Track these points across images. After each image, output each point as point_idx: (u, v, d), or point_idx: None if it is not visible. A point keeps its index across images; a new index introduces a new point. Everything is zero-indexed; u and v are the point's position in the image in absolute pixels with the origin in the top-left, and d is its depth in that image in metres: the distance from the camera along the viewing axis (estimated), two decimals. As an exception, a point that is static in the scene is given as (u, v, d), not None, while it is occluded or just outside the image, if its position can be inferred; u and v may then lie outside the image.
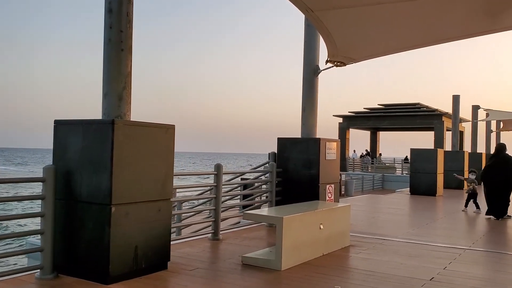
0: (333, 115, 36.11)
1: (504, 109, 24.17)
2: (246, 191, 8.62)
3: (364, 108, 35.82)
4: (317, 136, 8.57)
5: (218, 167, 6.79)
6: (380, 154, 39.31)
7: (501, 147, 10.25)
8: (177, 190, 7.90)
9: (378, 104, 35.69)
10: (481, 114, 24.54)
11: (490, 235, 7.96)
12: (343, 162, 35.59)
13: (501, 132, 29.11)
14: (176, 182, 5.39)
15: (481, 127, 27.59)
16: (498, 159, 10.02)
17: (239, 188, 8.94)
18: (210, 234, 6.75)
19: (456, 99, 18.72)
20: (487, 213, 10.06)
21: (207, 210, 7.67)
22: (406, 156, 32.77)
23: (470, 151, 22.82)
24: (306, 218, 5.63)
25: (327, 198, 8.39)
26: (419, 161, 15.27)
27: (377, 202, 13.38)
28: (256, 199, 8.64)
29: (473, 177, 11.21)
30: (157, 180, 4.81)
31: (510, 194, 9.92)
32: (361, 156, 38.26)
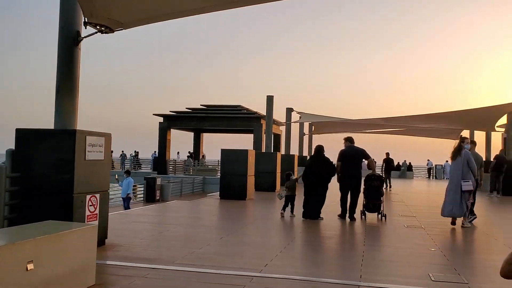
0: (153, 114, 33.78)
1: (315, 113, 25.06)
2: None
3: (186, 108, 34.31)
4: (88, 129, 6.26)
5: None
6: (203, 156, 38.36)
7: (320, 149, 10.21)
8: None
9: (201, 105, 34.57)
10: (295, 117, 25.02)
11: (290, 249, 6.69)
12: (164, 164, 33.57)
13: (313, 135, 30.50)
14: None
15: (296, 130, 28.45)
16: (317, 160, 10.05)
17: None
18: None
19: (269, 99, 18.21)
20: (303, 216, 9.83)
21: None
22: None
23: (283, 153, 22.92)
24: (-10, 258, 3.32)
25: (88, 213, 6.14)
26: (230, 162, 14.03)
27: (179, 209, 11.61)
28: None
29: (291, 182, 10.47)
30: None
31: (325, 195, 9.96)
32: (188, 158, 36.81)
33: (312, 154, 10.69)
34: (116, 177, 16.16)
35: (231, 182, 13.84)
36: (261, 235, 8.03)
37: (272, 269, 5.34)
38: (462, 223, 9.31)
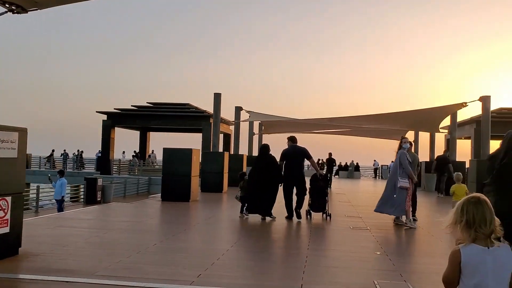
0: (97, 111, 32.26)
1: (265, 112, 24.72)
2: None
3: (132, 106, 33.05)
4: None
5: None
6: (149, 156, 37.14)
7: (265, 148, 10.09)
8: None
9: (147, 102, 33.41)
10: (245, 116, 24.55)
11: (229, 255, 6.17)
12: (108, 164, 32.19)
13: (263, 134, 30.17)
14: None
15: (247, 129, 28.02)
16: (263, 159, 9.88)
17: None
18: None
19: (217, 97, 17.63)
20: (249, 212, 9.80)
21: None
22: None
23: (232, 153, 22.43)
24: None
25: (-4, 218, 5.35)
26: (172, 162, 13.34)
27: (115, 212, 10.83)
28: None
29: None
30: None
31: (276, 194, 9.74)
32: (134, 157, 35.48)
33: (258, 154, 10.51)
34: (49, 177, 15.04)
35: (174, 182, 13.16)
36: (200, 240, 7.47)
37: (205, 280, 4.81)
38: (405, 223, 9.21)
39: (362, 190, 22.91)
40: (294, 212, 9.87)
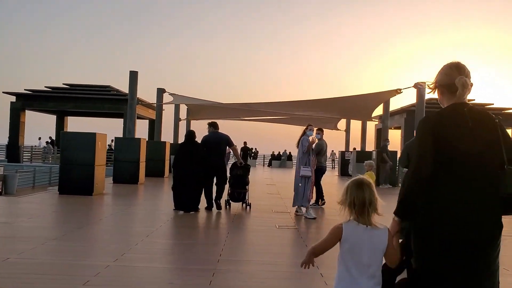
0: (3, 92, 28.76)
1: (191, 96, 22.91)
2: None
3: (45, 87, 29.84)
4: None
5: None
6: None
7: (191, 134, 9.20)
8: None
9: (63, 84, 30.33)
10: (168, 100, 22.57)
11: (110, 272, 4.51)
12: (16, 151, 28.92)
13: (191, 120, 28.34)
14: None
15: (173, 115, 26.04)
16: (188, 147, 9.04)
17: None
18: None
19: (133, 75, 15.60)
20: (176, 208, 8.77)
21: None
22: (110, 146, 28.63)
23: (153, 139, 20.52)
24: None
25: None
26: (73, 148, 11.25)
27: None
28: None
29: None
30: None
31: (201, 187, 9.03)
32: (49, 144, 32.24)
33: (182, 142, 9.55)
34: None
35: (74, 173, 11.13)
36: (78, 250, 5.66)
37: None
38: (305, 215, 8.71)
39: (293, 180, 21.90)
40: (214, 203, 9.17)
